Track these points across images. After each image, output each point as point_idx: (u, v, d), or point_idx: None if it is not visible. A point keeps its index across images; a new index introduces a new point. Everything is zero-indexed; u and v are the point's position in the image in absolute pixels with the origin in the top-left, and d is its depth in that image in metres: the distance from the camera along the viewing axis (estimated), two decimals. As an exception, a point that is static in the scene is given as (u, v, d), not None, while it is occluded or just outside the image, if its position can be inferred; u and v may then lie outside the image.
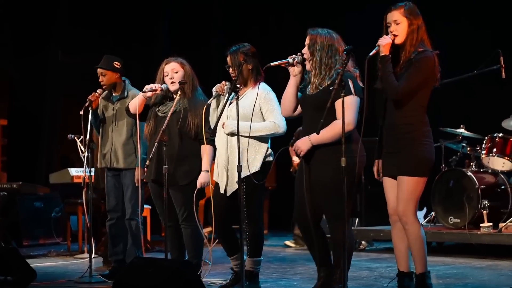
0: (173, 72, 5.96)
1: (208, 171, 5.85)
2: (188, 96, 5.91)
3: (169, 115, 5.77)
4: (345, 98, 4.81)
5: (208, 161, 5.86)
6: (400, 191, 4.89)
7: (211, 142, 5.81)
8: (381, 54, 4.85)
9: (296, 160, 8.90)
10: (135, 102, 6.02)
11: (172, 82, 5.95)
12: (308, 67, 5.10)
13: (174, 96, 5.94)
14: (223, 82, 5.67)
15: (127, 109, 6.12)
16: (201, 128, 5.86)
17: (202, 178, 5.86)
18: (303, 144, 5.02)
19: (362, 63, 4.88)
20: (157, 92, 5.94)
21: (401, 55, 4.90)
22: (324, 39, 5.06)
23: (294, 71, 5.16)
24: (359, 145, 4.95)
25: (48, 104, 11.34)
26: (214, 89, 5.73)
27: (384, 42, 4.85)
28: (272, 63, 5.18)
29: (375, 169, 5.12)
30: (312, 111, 5.00)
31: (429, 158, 4.89)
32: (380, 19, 4.96)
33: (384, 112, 5.01)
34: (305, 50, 5.10)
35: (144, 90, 5.94)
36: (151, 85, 5.96)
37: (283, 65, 5.16)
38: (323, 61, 5.03)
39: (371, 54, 4.83)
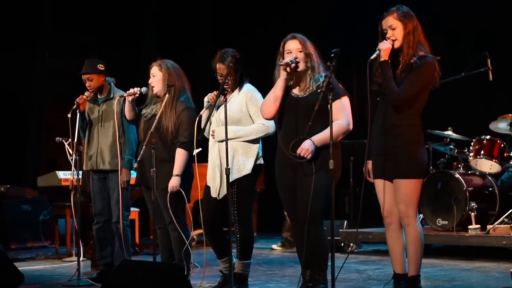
0: (152, 75, 5.99)
1: (178, 175, 5.81)
2: (168, 100, 5.88)
3: (156, 118, 5.78)
4: (340, 100, 5.00)
5: (180, 165, 5.82)
6: (399, 194, 4.91)
7: (186, 146, 5.79)
8: (381, 59, 4.87)
9: None
10: (126, 109, 6.08)
11: (153, 86, 5.98)
12: (302, 68, 5.10)
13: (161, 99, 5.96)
14: (214, 92, 5.65)
15: (125, 117, 6.16)
16: (176, 134, 5.84)
17: (172, 182, 5.81)
18: (311, 146, 4.99)
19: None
20: (137, 95, 5.97)
21: (400, 59, 4.92)
22: (310, 43, 5.12)
23: (286, 74, 5.14)
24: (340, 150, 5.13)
25: (35, 107, 11.29)
26: (206, 99, 5.72)
27: (385, 47, 4.87)
28: (280, 63, 5.09)
29: (365, 170, 5.13)
30: (305, 113, 4.99)
31: (424, 160, 4.94)
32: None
33: (378, 114, 5.04)
34: (298, 54, 5.10)
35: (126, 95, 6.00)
36: (131, 89, 6.00)
37: (285, 66, 5.08)
38: (313, 64, 5.07)
39: (372, 57, 4.87)
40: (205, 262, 5.86)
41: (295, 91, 5.15)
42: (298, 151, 5.00)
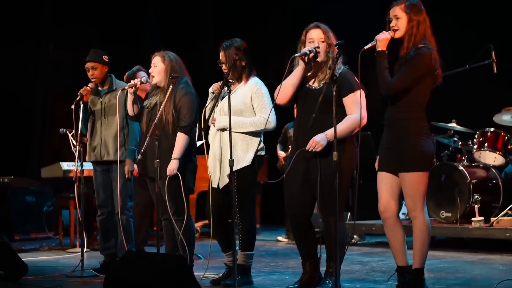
0: (153, 65, 5.97)
1: (177, 159, 5.77)
2: (171, 93, 5.85)
3: (160, 110, 5.77)
4: (354, 93, 5.01)
5: (179, 149, 5.77)
6: (405, 187, 4.90)
7: (187, 130, 5.76)
8: (378, 49, 4.85)
9: (282, 154, 8.89)
10: (128, 104, 6.05)
11: (153, 76, 5.97)
12: (322, 58, 5.10)
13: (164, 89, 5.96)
14: (219, 82, 5.64)
15: (127, 114, 6.14)
16: (176, 124, 5.82)
17: (170, 165, 5.75)
18: (322, 139, 5.00)
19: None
20: (137, 86, 5.97)
21: (399, 52, 4.90)
22: (333, 33, 5.11)
23: (305, 64, 5.12)
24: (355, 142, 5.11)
25: (39, 98, 11.31)
26: (210, 89, 5.72)
27: (382, 37, 4.84)
28: (296, 55, 5.10)
29: (376, 165, 5.11)
30: (318, 105, 4.95)
31: (427, 152, 4.89)
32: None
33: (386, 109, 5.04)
34: (320, 44, 5.08)
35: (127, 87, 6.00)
36: (132, 81, 6.01)
37: (303, 56, 5.08)
38: (334, 55, 5.08)
39: (366, 47, 4.83)
40: (209, 254, 5.87)
41: (311, 82, 5.15)
42: (309, 145, 5.00)
